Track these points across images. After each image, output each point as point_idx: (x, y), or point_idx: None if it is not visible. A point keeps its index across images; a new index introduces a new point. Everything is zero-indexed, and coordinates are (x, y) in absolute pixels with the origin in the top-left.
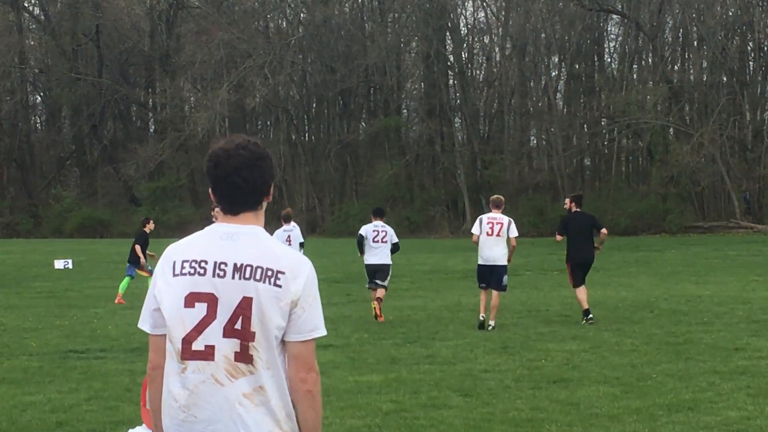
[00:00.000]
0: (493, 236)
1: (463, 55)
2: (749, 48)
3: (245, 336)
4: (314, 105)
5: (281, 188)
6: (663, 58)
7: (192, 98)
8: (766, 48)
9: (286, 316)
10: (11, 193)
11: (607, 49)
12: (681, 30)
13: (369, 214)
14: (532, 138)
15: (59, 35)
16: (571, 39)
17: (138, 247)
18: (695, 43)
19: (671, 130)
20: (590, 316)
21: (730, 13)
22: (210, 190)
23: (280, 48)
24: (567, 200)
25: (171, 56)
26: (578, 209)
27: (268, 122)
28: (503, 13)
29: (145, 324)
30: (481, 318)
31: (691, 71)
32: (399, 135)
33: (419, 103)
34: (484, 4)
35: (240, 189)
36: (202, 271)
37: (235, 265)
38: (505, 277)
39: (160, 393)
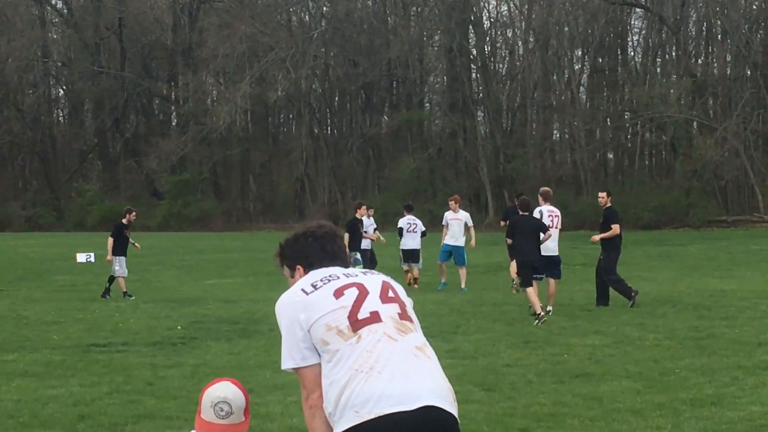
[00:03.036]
0: (554, 228)
1: (486, 49)
2: None
3: (399, 302)
4: (336, 99)
5: (303, 182)
6: (686, 52)
7: (214, 92)
8: None
9: None
10: (34, 186)
11: (630, 43)
12: (704, 23)
13: (391, 208)
14: (555, 132)
15: (82, 29)
16: (595, 32)
17: (346, 236)
18: (719, 36)
19: (695, 123)
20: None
21: (754, 7)
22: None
23: (302, 41)
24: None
25: (193, 50)
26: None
27: (291, 116)
28: (526, 6)
29: (291, 361)
30: (540, 312)
31: (715, 65)
32: (421, 129)
33: (442, 96)
34: None
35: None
36: (335, 278)
37: (363, 272)
38: (560, 265)
39: (326, 423)
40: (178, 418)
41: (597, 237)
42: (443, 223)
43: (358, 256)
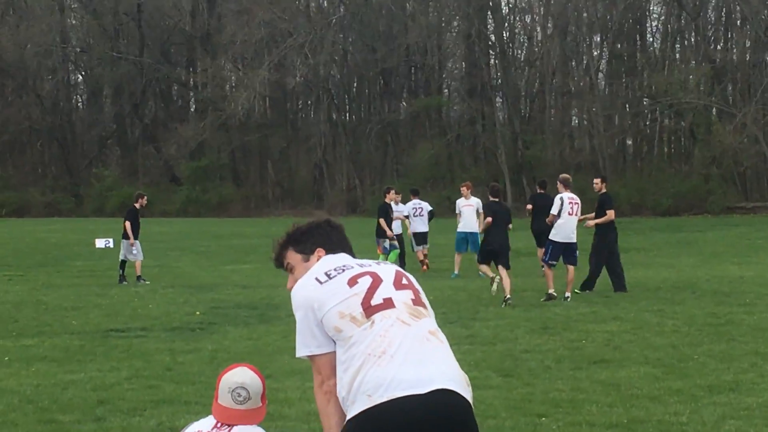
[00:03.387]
0: (574, 216)
1: (505, 35)
2: None
3: (413, 288)
4: (355, 84)
5: (322, 168)
6: (705, 38)
7: (233, 77)
8: None
9: None
10: (53, 172)
11: (649, 29)
12: (724, 9)
13: (409, 194)
14: (574, 118)
15: (101, 14)
16: (613, 18)
17: (382, 221)
18: (738, 22)
19: (714, 110)
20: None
21: None
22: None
23: (321, 27)
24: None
25: (212, 35)
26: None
27: (309, 102)
28: None
29: (306, 349)
30: (552, 293)
31: (734, 51)
32: (440, 115)
33: (460, 82)
34: None
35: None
36: (350, 267)
37: (376, 262)
38: (577, 252)
39: (340, 409)
40: (196, 404)
41: (592, 222)
42: (456, 211)
43: (386, 244)
